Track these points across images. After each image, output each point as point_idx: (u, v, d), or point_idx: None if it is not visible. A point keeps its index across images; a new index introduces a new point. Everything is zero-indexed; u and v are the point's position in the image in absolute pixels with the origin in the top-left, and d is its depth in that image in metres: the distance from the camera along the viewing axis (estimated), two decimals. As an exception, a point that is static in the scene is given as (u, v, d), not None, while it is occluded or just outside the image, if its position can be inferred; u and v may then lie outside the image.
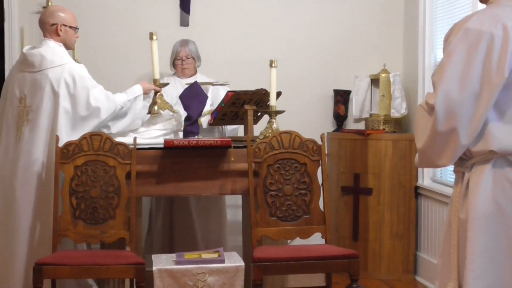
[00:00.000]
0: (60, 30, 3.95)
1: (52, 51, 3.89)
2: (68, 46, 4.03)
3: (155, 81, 4.16)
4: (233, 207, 5.17)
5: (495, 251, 2.22)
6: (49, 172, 3.80)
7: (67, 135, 3.81)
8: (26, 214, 3.80)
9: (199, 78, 4.70)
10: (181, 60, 4.75)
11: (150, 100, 4.24)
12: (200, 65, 4.86)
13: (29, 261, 3.74)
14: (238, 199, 4.90)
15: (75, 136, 3.80)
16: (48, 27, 3.95)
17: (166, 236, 4.73)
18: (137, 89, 4.08)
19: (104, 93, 3.94)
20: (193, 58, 4.77)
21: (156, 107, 4.14)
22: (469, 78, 2.19)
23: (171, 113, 4.28)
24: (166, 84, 4.29)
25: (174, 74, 4.83)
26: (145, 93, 4.13)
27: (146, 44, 5.09)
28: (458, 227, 2.30)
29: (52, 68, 3.84)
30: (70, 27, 3.99)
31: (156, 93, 4.17)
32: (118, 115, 4.00)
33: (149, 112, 4.18)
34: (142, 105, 4.09)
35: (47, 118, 3.82)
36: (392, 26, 5.32)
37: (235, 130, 4.67)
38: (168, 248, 4.64)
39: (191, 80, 4.65)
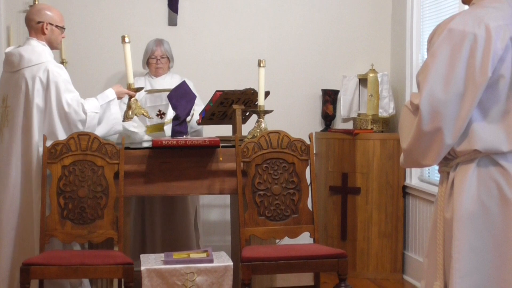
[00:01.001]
0: (46, 28, 3.90)
1: (31, 50, 3.84)
2: (53, 46, 3.96)
3: (129, 86, 4.06)
4: (221, 206, 5.17)
5: (481, 250, 2.23)
6: (29, 172, 3.77)
7: (39, 133, 3.76)
8: (11, 213, 3.77)
9: (168, 77, 4.70)
10: (156, 59, 4.74)
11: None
12: (173, 66, 4.84)
13: (14, 262, 3.72)
14: (226, 199, 4.90)
15: (49, 138, 3.75)
16: (34, 24, 3.90)
17: (138, 237, 4.71)
18: (110, 94, 3.96)
19: (77, 99, 3.82)
20: (167, 58, 4.76)
21: (130, 112, 4.06)
22: (453, 78, 2.21)
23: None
24: (141, 88, 4.22)
25: (147, 73, 4.82)
26: (118, 97, 4.00)
27: (134, 44, 5.08)
28: (443, 226, 2.32)
29: (29, 67, 3.79)
30: (57, 26, 3.94)
31: (130, 97, 4.07)
32: (92, 123, 3.87)
33: (124, 118, 4.05)
34: (117, 111, 3.96)
35: (23, 118, 3.78)
36: (380, 26, 5.34)
37: (199, 131, 4.65)
38: (140, 249, 4.61)
39: (160, 80, 4.67)
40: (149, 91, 4.54)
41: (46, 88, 3.77)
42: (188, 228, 4.74)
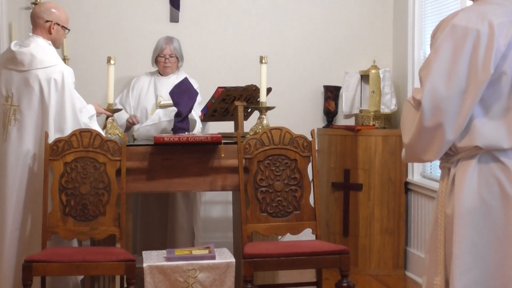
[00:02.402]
0: (53, 28, 3.90)
1: (42, 51, 3.84)
2: (55, 45, 3.97)
3: (108, 106, 4.08)
4: (223, 203, 5.17)
5: (481, 246, 2.24)
6: (39, 171, 3.78)
7: (55, 134, 3.79)
8: (17, 213, 3.77)
9: (174, 77, 4.68)
10: (164, 58, 4.70)
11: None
12: (182, 65, 4.82)
13: (19, 260, 3.72)
14: (228, 195, 4.90)
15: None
16: (42, 23, 3.90)
17: (135, 235, 4.69)
18: (91, 109, 4.00)
19: (80, 106, 3.92)
20: (176, 57, 4.73)
21: (105, 132, 4.02)
22: (456, 74, 2.21)
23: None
24: (119, 110, 4.25)
25: (156, 71, 4.79)
26: (96, 115, 4.08)
27: (135, 40, 5.11)
28: (444, 222, 2.32)
29: (42, 68, 3.79)
30: (63, 27, 3.95)
31: (107, 117, 4.10)
32: None
33: None
34: (97, 126, 4.01)
35: (35, 118, 3.78)
36: (381, 23, 5.33)
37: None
38: (134, 247, 4.60)
39: (166, 79, 4.65)
40: (161, 106, 4.51)
41: (61, 90, 3.80)
42: (182, 226, 4.70)
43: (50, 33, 3.91)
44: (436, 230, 2.36)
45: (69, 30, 4.02)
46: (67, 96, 3.81)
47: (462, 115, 2.21)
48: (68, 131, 3.80)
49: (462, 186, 2.25)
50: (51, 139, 3.73)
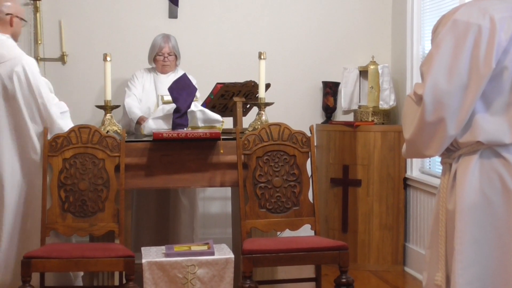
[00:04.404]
0: (13, 21, 3.81)
1: (1, 45, 3.71)
2: (15, 38, 3.85)
3: (106, 102, 4.05)
4: (222, 199, 5.18)
5: (483, 242, 2.24)
6: (30, 168, 3.73)
7: (33, 128, 3.72)
8: (16, 210, 3.75)
9: (173, 75, 4.64)
10: (163, 56, 4.66)
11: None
12: (180, 63, 4.79)
13: (19, 255, 3.71)
14: (227, 191, 4.91)
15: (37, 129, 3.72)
16: (2, 16, 3.78)
17: (133, 231, 4.69)
18: (64, 106, 3.90)
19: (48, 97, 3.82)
20: (175, 55, 4.70)
21: (103, 128, 4.00)
22: (457, 69, 2.20)
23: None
24: (117, 106, 4.22)
25: (152, 68, 4.74)
26: None
27: (134, 36, 5.10)
28: (446, 218, 2.32)
29: (2, 63, 3.68)
30: (21, 19, 3.86)
31: (105, 113, 4.06)
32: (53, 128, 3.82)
33: None
34: (70, 122, 3.92)
35: (5, 114, 3.68)
36: (380, 18, 5.33)
37: None
38: (135, 244, 4.59)
39: (165, 78, 4.62)
40: (165, 102, 4.49)
41: (25, 81, 3.68)
42: (179, 223, 4.70)
43: (11, 25, 3.80)
44: (437, 226, 2.36)
45: (26, 21, 3.93)
46: (32, 87, 3.68)
47: (464, 110, 2.21)
48: (41, 121, 3.71)
49: (464, 181, 2.25)
50: (29, 130, 3.67)
